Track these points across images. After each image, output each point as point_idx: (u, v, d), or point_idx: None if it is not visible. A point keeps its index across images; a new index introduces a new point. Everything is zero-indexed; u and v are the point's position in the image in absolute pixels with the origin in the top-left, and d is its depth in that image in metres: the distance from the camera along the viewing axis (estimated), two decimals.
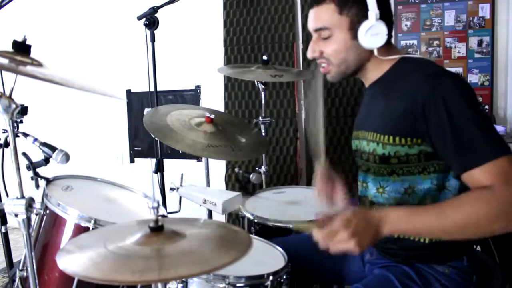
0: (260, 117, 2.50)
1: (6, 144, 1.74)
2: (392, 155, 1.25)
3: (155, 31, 2.23)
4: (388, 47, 1.31)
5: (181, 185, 1.79)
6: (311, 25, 1.34)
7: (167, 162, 2.40)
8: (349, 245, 1.09)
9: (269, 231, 1.78)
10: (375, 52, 1.28)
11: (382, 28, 1.25)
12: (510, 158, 1.08)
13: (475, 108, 1.14)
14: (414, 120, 1.18)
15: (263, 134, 2.47)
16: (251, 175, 2.21)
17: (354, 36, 1.27)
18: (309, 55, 1.35)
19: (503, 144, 1.10)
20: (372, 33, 1.25)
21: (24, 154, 1.57)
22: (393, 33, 1.34)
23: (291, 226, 1.20)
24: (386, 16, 1.27)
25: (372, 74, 1.35)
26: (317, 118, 1.39)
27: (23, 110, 1.65)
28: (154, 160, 2.38)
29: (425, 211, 1.11)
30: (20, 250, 1.44)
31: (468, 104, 1.13)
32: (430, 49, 2.79)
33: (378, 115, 1.31)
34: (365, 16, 1.25)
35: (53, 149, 1.63)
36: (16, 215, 1.24)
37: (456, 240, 1.18)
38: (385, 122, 1.27)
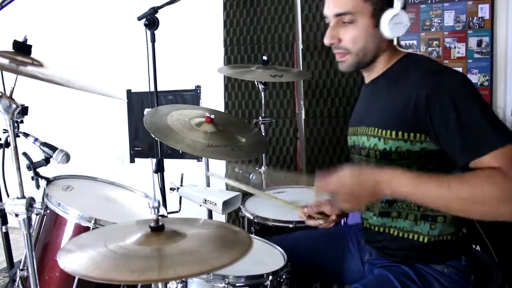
0: (260, 117, 2.51)
1: (7, 144, 1.74)
2: (393, 150, 1.25)
3: (155, 31, 2.24)
4: (398, 42, 1.32)
5: (181, 185, 1.79)
6: (331, 10, 1.30)
7: (167, 162, 2.40)
8: (345, 206, 1.13)
9: (269, 231, 1.78)
10: (395, 42, 1.27)
11: (405, 18, 1.25)
12: None
13: (478, 98, 1.14)
14: (418, 115, 1.19)
15: (263, 134, 2.48)
16: (251, 175, 2.21)
17: (376, 24, 1.26)
18: (327, 41, 1.32)
19: (509, 132, 1.10)
20: (396, 22, 1.24)
21: (25, 154, 1.58)
22: None
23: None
24: (405, 7, 1.27)
25: (378, 67, 1.35)
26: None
27: (24, 110, 1.65)
28: (154, 160, 2.38)
29: (430, 179, 1.10)
30: (21, 250, 1.45)
31: (473, 96, 1.14)
32: (430, 49, 2.79)
33: (381, 110, 1.31)
34: (388, 5, 1.25)
35: (53, 149, 1.64)
36: (16, 215, 1.25)
37: (457, 215, 1.15)
38: (387, 117, 1.27)
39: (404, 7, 1.26)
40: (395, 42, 1.28)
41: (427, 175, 1.11)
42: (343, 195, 1.14)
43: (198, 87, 3.34)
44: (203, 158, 2.28)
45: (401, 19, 1.24)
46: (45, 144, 1.65)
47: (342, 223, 1.84)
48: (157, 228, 0.96)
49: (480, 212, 1.07)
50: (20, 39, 1.31)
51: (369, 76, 1.40)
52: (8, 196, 1.82)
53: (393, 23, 1.24)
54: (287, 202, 1.61)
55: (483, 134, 1.10)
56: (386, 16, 1.24)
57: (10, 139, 1.25)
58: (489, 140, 1.09)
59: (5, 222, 2.02)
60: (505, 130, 1.11)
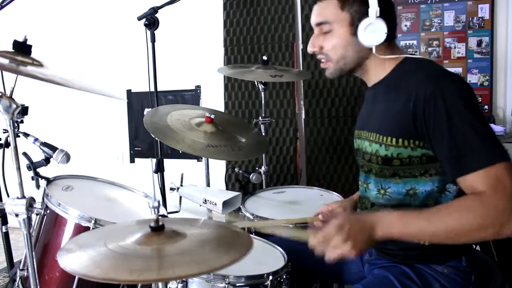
0: (260, 117, 2.51)
1: (7, 144, 1.74)
2: (394, 157, 1.25)
3: (155, 31, 2.24)
4: (390, 47, 1.32)
5: (181, 185, 1.79)
6: (313, 20, 1.35)
7: (167, 162, 2.40)
8: (344, 249, 1.10)
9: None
10: (373, 50, 1.28)
11: (381, 26, 1.25)
12: (506, 164, 1.08)
13: (474, 111, 1.13)
14: (415, 121, 1.19)
15: (263, 134, 2.48)
16: (251, 175, 2.21)
17: (354, 32, 1.28)
18: (309, 49, 1.37)
19: (500, 150, 1.10)
20: (371, 30, 1.25)
21: (25, 154, 1.58)
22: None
23: (285, 235, 1.24)
24: (388, 15, 1.27)
25: (374, 73, 1.35)
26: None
27: (24, 110, 1.65)
28: (154, 160, 2.38)
29: (417, 217, 1.12)
30: (21, 250, 1.45)
31: (467, 107, 1.13)
32: (430, 49, 2.79)
33: (381, 116, 1.31)
34: (366, 14, 1.26)
35: (53, 149, 1.64)
36: (16, 215, 1.25)
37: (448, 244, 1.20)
38: (388, 124, 1.27)
39: (387, 16, 1.26)
40: (373, 50, 1.28)
41: (414, 213, 1.13)
42: (342, 239, 1.09)
43: (198, 87, 3.34)
44: (203, 158, 2.28)
45: (377, 27, 1.25)
46: (45, 144, 1.64)
47: None
48: (157, 228, 0.96)
49: (468, 240, 1.14)
50: (20, 39, 1.31)
51: (368, 81, 1.41)
52: (8, 196, 1.82)
53: (369, 32, 1.25)
54: (300, 219, 1.62)
55: (472, 151, 1.10)
56: (362, 25, 1.26)
57: (10, 139, 1.25)
58: (476, 158, 1.09)
59: (5, 222, 2.02)
60: (495, 147, 1.10)
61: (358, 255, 1.12)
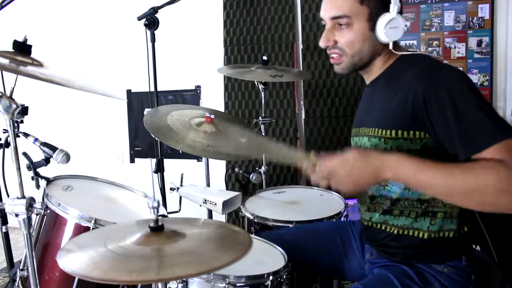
0: (260, 117, 2.51)
1: (7, 144, 1.74)
2: (394, 150, 1.25)
3: (155, 31, 2.24)
4: (396, 44, 1.32)
5: (181, 185, 1.79)
6: (328, 13, 1.31)
7: (167, 162, 2.40)
8: (346, 183, 1.12)
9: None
10: (390, 46, 1.27)
11: (401, 22, 1.24)
12: None
13: (476, 93, 1.13)
14: (416, 111, 1.18)
15: (263, 134, 2.48)
16: (251, 175, 2.21)
17: (372, 27, 1.27)
18: (322, 44, 1.33)
19: (507, 125, 1.09)
20: (392, 26, 1.24)
21: (25, 154, 1.58)
22: None
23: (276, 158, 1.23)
24: (402, 12, 1.27)
25: (376, 69, 1.35)
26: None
27: (24, 110, 1.65)
28: (154, 160, 2.38)
29: (433, 166, 1.09)
30: (21, 250, 1.45)
31: (469, 90, 1.13)
32: (430, 49, 2.79)
33: (380, 110, 1.31)
34: (384, 9, 1.25)
35: (53, 149, 1.64)
36: (16, 215, 1.25)
37: (457, 204, 1.15)
38: (387, 117, 1.27)
39: (400, 12, 1.26)
40: (390, 46, 1.28)
41: (431, 162, 1.10)
42: (342, 174, 1.12)
43: (198, 87, 3.34)
44: (203, 158, 2.28)
45: (397, 23, 1.24)
46: (45, 144, 1.65)
47: (345, 219, 1.84)
48: (157, 228, 0.96)
49: (479, 202, 1.06)
50: (20, 39, 1.31)
51: (367, 78, 1.41)
52: (8, 196, 1.82)
53: (389, 28, 1.24)
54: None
55: (483, 128, 1.09)
56: (382, 20, 1.24)
57: (10, 139, 1.25)
58: (489, 134, 1.07)
59: (5, 222, 2.02)
60: (504, 124, 1.10)
61: (359, 190, 1.14)
